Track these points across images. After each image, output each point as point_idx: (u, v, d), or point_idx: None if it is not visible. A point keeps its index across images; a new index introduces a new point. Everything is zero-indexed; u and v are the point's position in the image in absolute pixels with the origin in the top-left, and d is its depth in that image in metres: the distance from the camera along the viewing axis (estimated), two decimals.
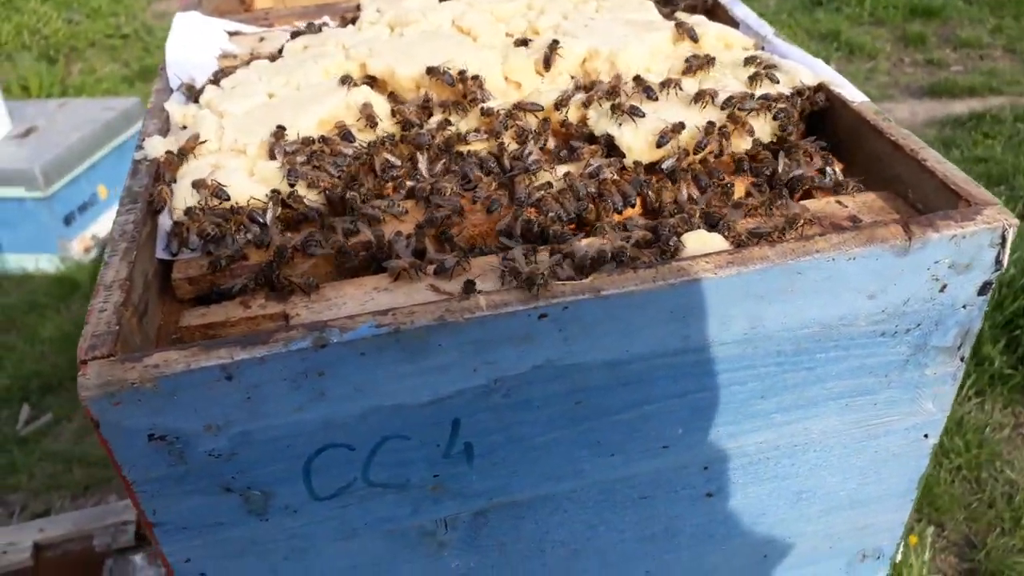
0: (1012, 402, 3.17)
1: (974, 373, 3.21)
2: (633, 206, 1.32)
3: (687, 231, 1.20)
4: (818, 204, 1.31)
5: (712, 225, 1.23)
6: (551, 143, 1.44)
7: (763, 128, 1.41)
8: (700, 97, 1.41)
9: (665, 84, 1.43)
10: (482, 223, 1.30)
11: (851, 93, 1.47)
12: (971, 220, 1.15)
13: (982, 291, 1.21)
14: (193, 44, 1.60)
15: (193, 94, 1.50)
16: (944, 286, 1.19)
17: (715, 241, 1.17)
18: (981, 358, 3.24)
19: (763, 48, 1.64)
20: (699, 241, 1.17)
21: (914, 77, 6.30)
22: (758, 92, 1.44)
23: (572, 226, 1.29)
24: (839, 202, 1.31)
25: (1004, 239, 1.16)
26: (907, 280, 1.17)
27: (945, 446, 2.97)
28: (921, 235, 1.13)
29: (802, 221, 1.23)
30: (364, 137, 1.38)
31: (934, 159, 1.29)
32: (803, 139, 1.44)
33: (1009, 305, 3.33)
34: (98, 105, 4.93)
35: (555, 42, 1.50)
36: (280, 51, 1.67)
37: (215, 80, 1.51)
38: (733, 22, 1.77)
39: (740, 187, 1.36)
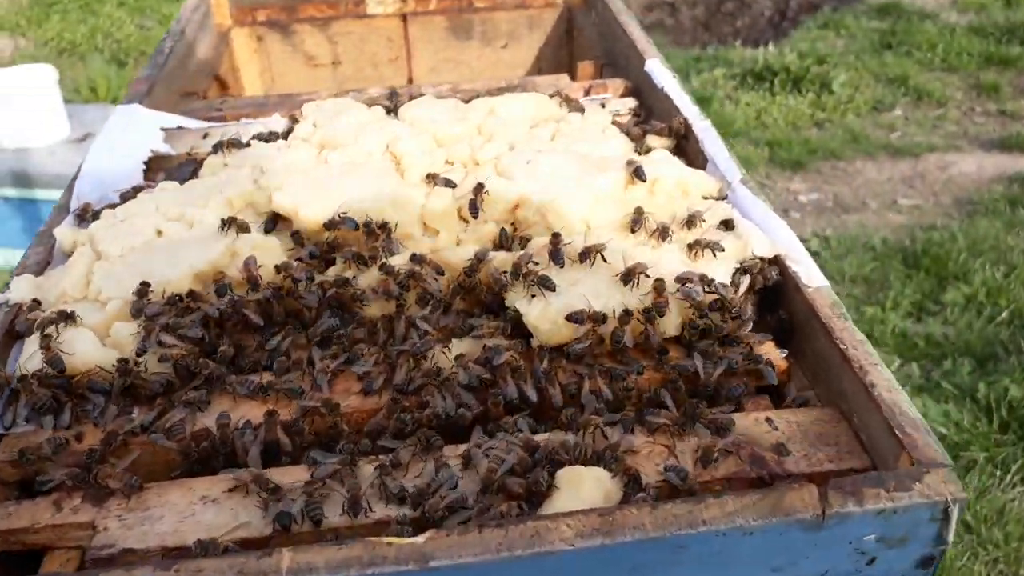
0: None
1: (1021, 457, 2.81)
2: (529, 405, 1.07)
3: (568, 460, 0.96)
4: (744, 421, 1.04)
5: (599, 456, 0.97)
6: (459, 304, 1.20)
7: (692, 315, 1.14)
8: (629, 276, 1.14)
9: (586, 253, 1.16)
10: (356, 408, 1.08)
11: (808, 273, 1.19)
12: (907, 490, 0.87)
13: (923, 564, 0.93)
14: (122, 146, 1.43)
15: (88, 217, 1.32)
16: (872, 559, 0.91)
17: (594, 486, 0.92)
18: None
19: (726, 196, 1.36)
20: (574, 482, 0.92)
21: (984, 128, 5.76)
22: (696, 267, 1.17)
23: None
24: (769, 420, 1.04)
25: (947, 515, 0.87)
26: (822, 554, 0.90)
27: (983, 536, 2.60)
28: (840, 506, 0.86)
29: (715, 456, 0.97)
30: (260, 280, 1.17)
31: (885, 385, 1.01)
32: (744, 320, 1.17)
33: None
34: None
35: (480, 186, 1.25)
36: (235, 143, 1.49)
37: (117, 203, 1.33)
38: (703, 154, 1.49)
39: (655, 378, 1.10)
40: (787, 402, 1.09)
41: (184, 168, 1.48)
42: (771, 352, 1.14)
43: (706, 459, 0.97)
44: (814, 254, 4.08)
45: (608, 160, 1.36)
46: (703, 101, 6.00)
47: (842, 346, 1.05)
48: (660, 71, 1.61)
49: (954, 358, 3.20)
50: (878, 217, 4.62)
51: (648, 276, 1.14)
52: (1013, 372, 2.99)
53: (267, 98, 1.74)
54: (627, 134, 1.51)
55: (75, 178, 1.38)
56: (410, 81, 2.05)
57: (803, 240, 4.25)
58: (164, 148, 1.50)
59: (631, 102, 1.69)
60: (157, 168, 1.50)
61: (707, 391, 1.09)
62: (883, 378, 1.02)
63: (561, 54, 2.12)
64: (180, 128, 1.59)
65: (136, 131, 1.48)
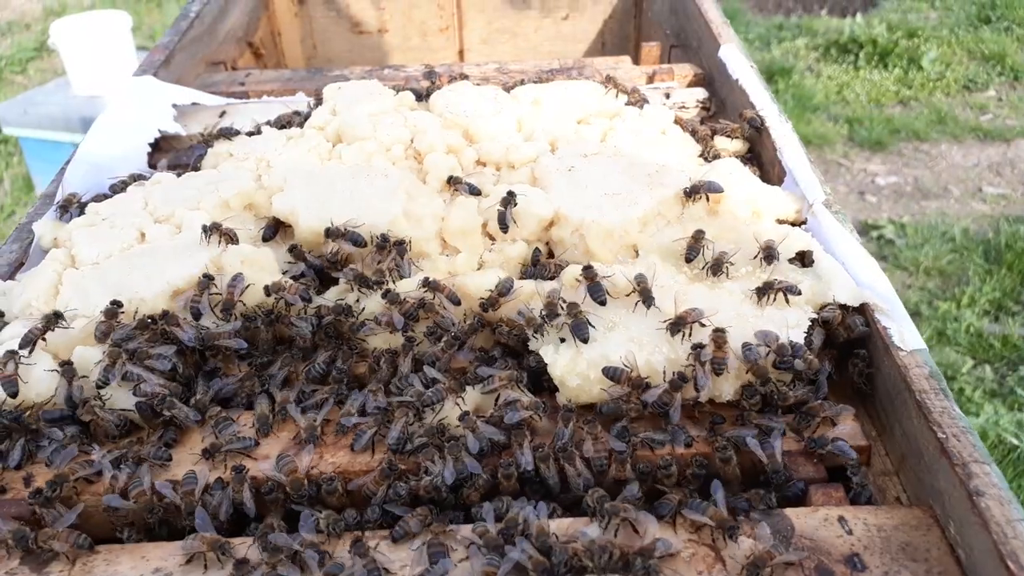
0: None
1: None
2: (545, 484, 0.85)
3: (591, 568, 0.73)
4: (810, 519, 0.80)
5: (628, 564, 0.74)
6: (476, 340, 0.98)
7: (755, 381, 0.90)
8: (680, 324, 0.89)
9: (638, 290, 0.91)
10: (344, 463, 0.88)
11: (901, 332, 0.91)
12: None
13: None
14: (127, 124, 1.23)
15: (72, 209, 1.13)
16: None
17: None
18: None
19: (805, 221, 1.08)
20: None
21: None
22: (764, 314, 0.92)
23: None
24: (842, 520, 0.80)
25: None
26: None
27: None
28: None
29: (768, 569, 0.74)
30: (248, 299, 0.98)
31: (995, 495, 0.75)
32: (819, 385, 0.91)
33: None
34: None
35: (510, 195, 1.02)
36: (226, 133, 1.28)
37: (107, 194, 1.15)
38: (780, 164, 1.21)
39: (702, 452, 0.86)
40: (862, 498, 0.84)
41: (194, 152, 1.28)
42: (850, 428, 0.89)
43: (756, 571, 0.74)
44: (888, 242, 3.72)
45: (665, 170, 1.09)
46: (783, 72, 5.56)
47: (940, 435, 0.80)
48: (736, 59, 1.32)
49: None
50: (960, 205, 4.20)
51: (703, 325, 0.89)
52: None
53: (294, 72, 1.52)
54: (692, 133, 1.24)
55: (68, 161, 1.19)
56: (461, 54, 1.81)
57: (876, 226, 3.90)
58: (174, 128, 1.31)
59: (700, 93, 1.41)
60: (166, 150, 1.30)
61: (773, 478, 0.85)
62: (993, 484, 0.76)
63: (628, 29, 1.84)
64: (194, 105, 1.39)
65: (146, 107, 1.28)
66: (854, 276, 0.96)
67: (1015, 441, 2.56)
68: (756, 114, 1.25)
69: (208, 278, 0.97)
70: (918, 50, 5.67)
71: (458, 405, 0.89)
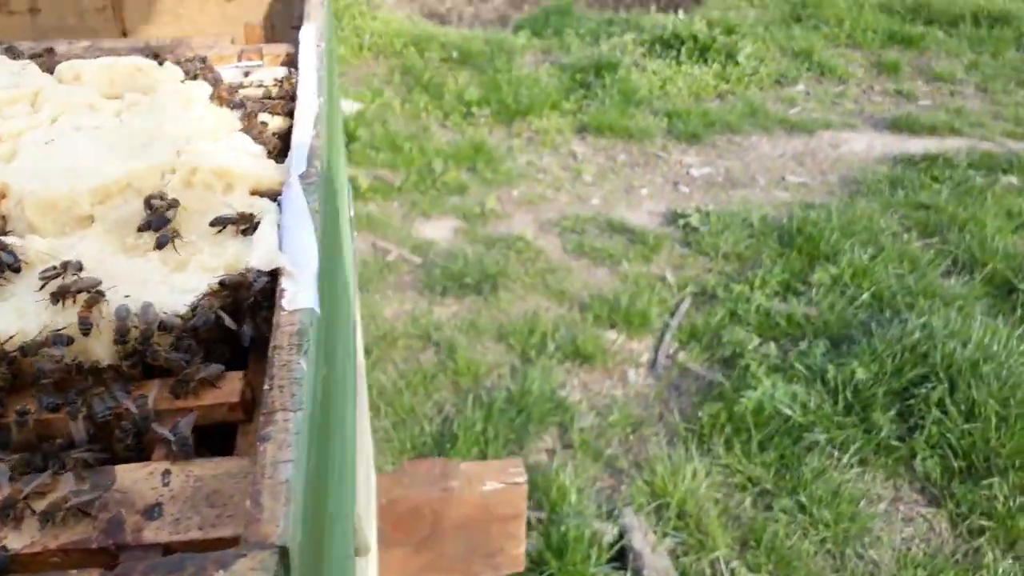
0: (895, 474, 2.82)
1: (860, 439, 2.85)
2: None
3: None
4: (137, 473, 0.78)
5: None
6: None
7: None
8: (60, 294, 0.88)
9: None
10: None
11: (296, 294, 0.86)
12: None
13: None
14: None
15: None
16: None
17: None
18: (871, 425, 2.88)
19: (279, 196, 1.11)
20: None
21: (881, 107, 5.82)
22: (171, 279, 0.96)
23: None
24: (167, 472, 0.76)
25: None
26: None
27: (815, 516, 2.64)
28: None
29: (60, 514, 0.72)
30: None
31: (279, 439, 0.69)
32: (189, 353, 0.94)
33: (908, 372, 2.96)
34: None
35: None
36: None
37: None
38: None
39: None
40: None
41: None
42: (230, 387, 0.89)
43: (48, 517, 0.72)
44: (693, 229, 4.07)
45: (154, 145, 1.10)
46: (609, 67, 5.91)
47: (266, 385, 0.79)
48: (308, 40, 1.35)
49: (811, 339, 3.23)
50: (765, 194, 4.63)
51: (92, 293, 0.89)
52: (863, 355, 3.02)
53: None
54: (238, 108, 1.28)
55: None
56: (124, 35, 1.82)
57: (684, 215, 4.26)
58: None
59: (282, 72, 1.43)
60: None
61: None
62: (284, 430, 0.72)
63: (293, 10, 1.85)
64: None
65: None
66: (286, 244, 0.98)
67: (788, 412, 2.89)
68: (293, 91, 1.26)
69: None
70: (735, 46, 6.16)
71: None
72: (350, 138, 4.93)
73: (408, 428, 2.89)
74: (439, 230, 4.12)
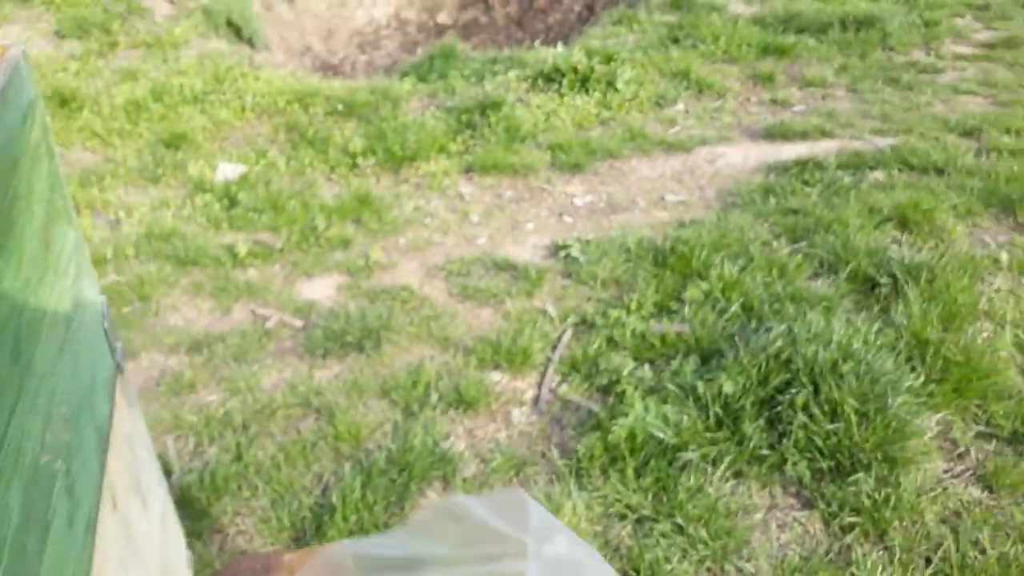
0: (769, 482, 2.88)
1: (733, 452, 2.91)
2: None
3: None
4: None
5: None
6: None
7: None
8: None
9: None
10: None
11: None
12: None
13: None
14: None
15: None
16: None
17: None
18: (741, 436, 2.94)
19: None
20: None
21: (757, 117, 6.02)
22: None
23: None
24: None
25: None
26: None
27: (692, 536, 2.67)
28: None
29: None
30: None
31: None
32: None
33: (773, 380, 3.03)
34: None
35: None
36: None
37: None
38: None
39: None
40: None
41: None
42: None
43: None
44: (574, 260, 4.14)
45: None
46: (494, 105, 6.01)
47: None
48: None
49: (682, 357, 3.30)
50: (645, 215, 4.74)
51: None
52: (730, 368, 3.09)
53: None
54: None
55: None
56: None
57: (565, 246, 4.34)
58: None
59: None
60: None
61: None
62: None
63: None
64: None
65: None
66: None
67: (661, 435, 2.94)
68: None
69: None
70: (615, 73, 6.33)
71: None
72: (231, 203, 4.92)
73: (287, 504, 2.86)
74: (322, 289, 4.12)
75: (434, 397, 3.32)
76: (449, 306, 3.97)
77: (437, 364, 3.53)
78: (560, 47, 6.85)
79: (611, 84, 6.27)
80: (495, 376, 3.47)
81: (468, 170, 5.44)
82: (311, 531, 2.77)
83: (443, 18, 10.15)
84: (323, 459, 3.07)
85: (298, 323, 3.84)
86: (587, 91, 6.25)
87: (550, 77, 6.42)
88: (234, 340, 3.74)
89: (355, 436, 3.13)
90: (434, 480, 2.97)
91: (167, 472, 3.09)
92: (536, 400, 3.35)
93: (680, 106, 6.20)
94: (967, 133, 5.35)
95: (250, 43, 8.45)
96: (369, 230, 4.69)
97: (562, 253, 4.29)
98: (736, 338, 3.30)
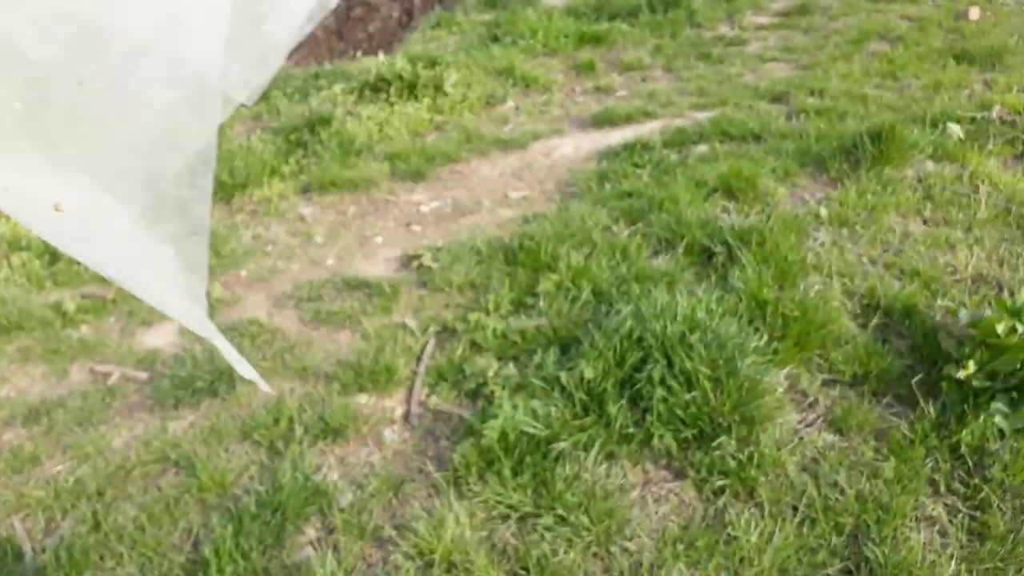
0: (641, 459, 2.96)
1: (602, 435, 2.96)
2: None
3: None
4: None
5: None
6: None
7: None
8: None
9: None
10: None
11: None
12: None
13: None
14: None
15: None
16: None
17: None
18: (608, 419, 3.00)
19: None
20: None
21: (584, 106, 6.20)
22: None
23: None
24: None
25: None
26: None
27: (575, 523, 2.70)
28: None
29: None
30: None
31: None
32: None
33: (629, 359, 3.12)
34: None
35: None
36: None
37: None
38: None
39: None
40: None
41: None
42: None
43: None
44: (427, 268, 4.12)
45: None
46: (323, 121, 5.90)
47: None
48: None
49: (543, 350, 3.35)
50: (491, 215, 4.78)
51: None
52: (589, 354, 3.17)
53: None
54: None
55: None
56: None
57: (417, 255, 4.31)
58: None
59: None
60: None
61: None
62: None
63: None
64: None
65: None
66: None
67: (532, 430, 2.97)
68: None
69: None
70: (441, 76, 6.34)
71: None
72: (52, 257, 4.58)
73: (156, 567, 2.70)
74: (163, 335, 3.91)
75: (299, 431, 3.22)
76: (303, 334, 3.86)
77: (298, 396, 3.42)
78: (382, 56, 6.79)
79: (439, 88, 6.29)
80: (361, 399, 3.40)
81: (305, 190, 5.31)
82: None
83: None
84: (189, 513, 2.91)
85: (143, 375, 3.62)
86: (416, 97, 6.23)
87: (376, 87, 6.36)
88: (75, 403, 3.49)
89: (220, 484, 2.99)
90: (311, 516, 2.88)
91: (18, 555, 2.85)
92: (407, 416, 3.31)
93: (510, 103, 6.29)
94: (776, 99, 5.72)
95: None
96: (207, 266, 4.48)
97: (415, 263, 4.26)
98: (590, 324, 3.38)
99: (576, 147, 5.48)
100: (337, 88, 6.42)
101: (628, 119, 5.70)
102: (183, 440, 3.21)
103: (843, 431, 3.01)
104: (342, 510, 2.88)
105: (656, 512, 2.81)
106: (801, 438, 2.98)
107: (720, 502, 2.79)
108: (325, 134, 5.76)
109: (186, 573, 2.69)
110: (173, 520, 2.89)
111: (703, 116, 5.56)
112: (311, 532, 2.84)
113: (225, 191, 5.25)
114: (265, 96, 6.62)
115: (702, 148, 5.04)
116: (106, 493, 3.01)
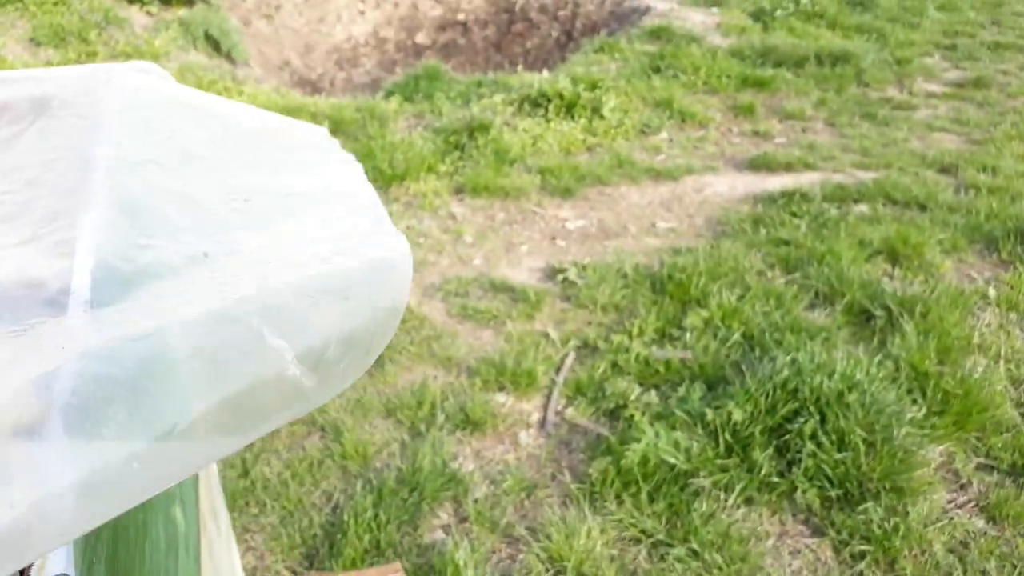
0: (779, 509, 2.92)
1: (743, 479, 2.94)
2: None
3: None
4: None
5: None
6: None
7: None
8: None
9: None
10: None
11: None
12: None
13: None
14: None
15: None
16: None
17: None
18: (752, 464, 2.98)
19: None
20: None
21: (740, 148, 6.15)
22: None
23: None
24: None
25: None
26: None
27: (708, 561, 2.69)
28: None
29: None
30: None
31: None
32: None
33: (781, 408, 3.08)
34: None
35: None
36: None
37: None
38: None
39: None
40: None
41: None
42: None
43: None
44: (571, 283, 4.17)
45: None
46: (482, 128, 6.04)
47: None
48: None
49: (688, 383, 3.34)
50: (637, 242, 4.80)
51: None
52: (738, 395, 3.14)
53: None
54: None
55: None
56: None
57: (562, 269, 4.36)
58: None
59: None
60: None
61: None
62: None
63: None
64: None
65: None
66: None
67: (672, 460, 2.97)
68: None
69: None
70: (600, 100, 6.41)
71: None
72: None
73: (297, 521, 2.82)
74: None
75: (440, 417, 3.30)
76: (449, 326, 3.96)
77: (441, 384, 3.51)
78: (544, 73, 6.91)
79: (596, 111, 6.36)
80: (500, 397, 3.47)
81: (459, 191, 5.45)
82: (324, 549, 2.73)
83: (421, 38, 10.19)
84: (331, 477, 3.03)
85: None
86: (573, 117, 6.31)
87: (536, 102, 6.47)
88: None
89: (363, 455, 3.10)
90: (445, 501, 2.95)
91: None
92: (543, 422, 3.35)
93: (664, 135, 6.31)
94: (944, 170, 5.54)
95: (229, 57, 8.38)
96: None
97: (559, 276, 4.31)
98: (742, 366, 3.35)
99: (731, 187, 5.44)
100: (497, 98, 6.57)
101: (787, 167, 5.62)
102: (330, 407, 3.34)
103: (996, 519, 2.88)
104: (476, 501, 2.94)
105: (790, 564, 2.75)
106: (951, 518, 2.86)
107: (859, 567, 2.71)
108: (482, 140, 5.89)
109: (324, 533, 2.79)
110: (315, 481, 3.00)
111: (865, 176, 5.44)
112: (444, 516, 2.91)
113: (384, 180, 5.45)
114: (428, 96, 6.85)
115: (863, 208, 4.92)
116: (255, 445, 3.17)
